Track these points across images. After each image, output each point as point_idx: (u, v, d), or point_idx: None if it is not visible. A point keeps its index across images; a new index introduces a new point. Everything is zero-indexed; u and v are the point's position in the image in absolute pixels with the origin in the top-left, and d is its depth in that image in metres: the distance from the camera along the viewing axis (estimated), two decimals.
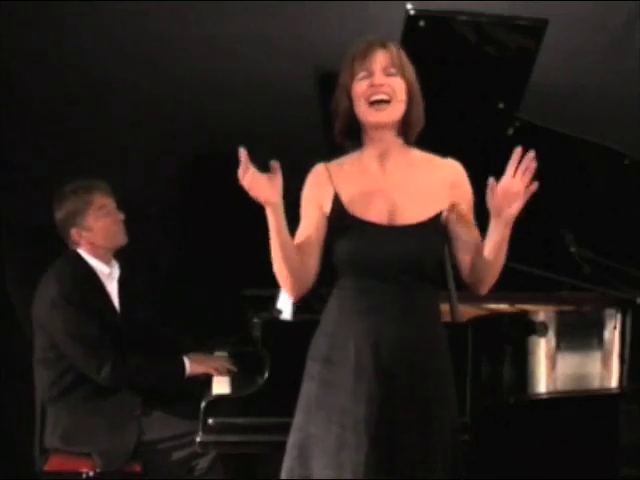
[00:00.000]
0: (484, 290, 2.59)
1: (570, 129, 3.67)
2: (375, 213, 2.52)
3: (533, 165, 2.38)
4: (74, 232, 3.47)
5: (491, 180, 2.38)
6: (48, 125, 4.02)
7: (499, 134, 3.54)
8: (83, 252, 3.49)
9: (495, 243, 2.46)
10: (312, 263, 2.55)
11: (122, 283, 3.57)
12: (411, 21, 3.16)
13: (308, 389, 2.56)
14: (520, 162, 2.38)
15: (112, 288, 3.53)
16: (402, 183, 2.55)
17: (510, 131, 3.57)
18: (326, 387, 2.51)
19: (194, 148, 4.10)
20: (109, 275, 3.52)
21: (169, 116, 4.04)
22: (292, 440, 2.57)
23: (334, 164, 2.61)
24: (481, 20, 3.30)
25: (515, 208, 2.39)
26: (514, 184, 2.38)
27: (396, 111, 2.51)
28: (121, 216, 3.54)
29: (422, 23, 3.17)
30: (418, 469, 2.47)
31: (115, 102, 4.02)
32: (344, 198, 2.55)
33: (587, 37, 4.19)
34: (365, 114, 2.51)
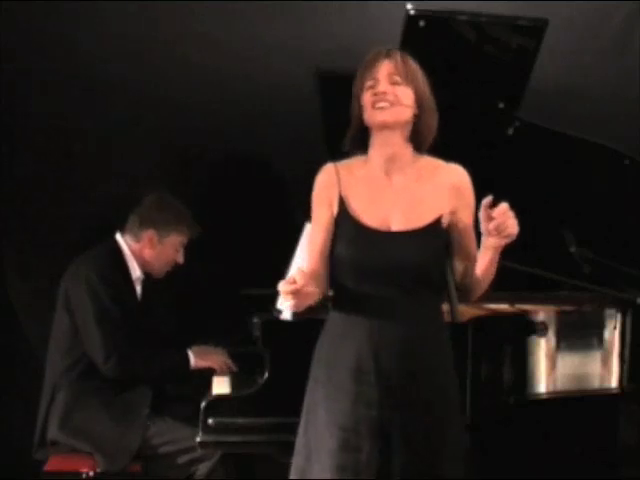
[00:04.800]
0: (471, 298, 2.64)
1: (570, 129, 3.67)
2: (376, 218, 2.53)
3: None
4: (150, 233, 3.59)
5: (487, 199, 2.38)
6: (47, 125, 4.02)
7: (499, 134, 3.54)
8: (128, 249, 3.60)
9: (484, 262, 2.50)
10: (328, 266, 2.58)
11: (144, 288, 3.67)
12: (411, 21, 3.16)
13: (311, 391, 2.59)
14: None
15: (137, 289, 3.63)
16: (405, 189, 2.56)
17: (510, 131, 3.57)
18: (329, 389, 2.53)
19: (194, 148, 4.10)
20: (137, 278, 3.63)
21: (169, 116, 4.04)
22: (299, 443, 2.59)
23: (343, 165, 2.61)
24: (481, 20, 3.30)
25: (504, 240, 2.41)
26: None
27: (400, 113, 2.51)
28: (182, 261, 3.68)
29: (422, 23, 3.17)
30: (423, 470, 2.48)
31: (114, 102, 4.02)
32: (349, 202, 2.56)
33: (587, 37, 4.19)
34: (370, 116, 2.53)
